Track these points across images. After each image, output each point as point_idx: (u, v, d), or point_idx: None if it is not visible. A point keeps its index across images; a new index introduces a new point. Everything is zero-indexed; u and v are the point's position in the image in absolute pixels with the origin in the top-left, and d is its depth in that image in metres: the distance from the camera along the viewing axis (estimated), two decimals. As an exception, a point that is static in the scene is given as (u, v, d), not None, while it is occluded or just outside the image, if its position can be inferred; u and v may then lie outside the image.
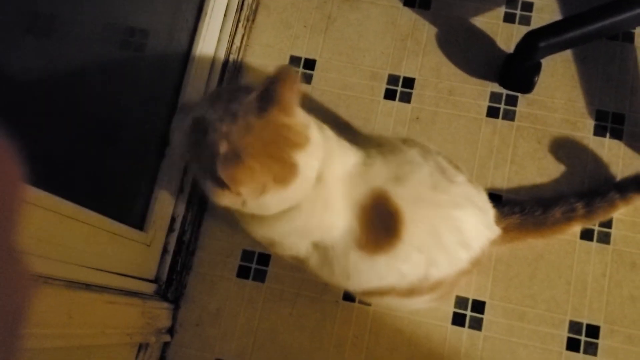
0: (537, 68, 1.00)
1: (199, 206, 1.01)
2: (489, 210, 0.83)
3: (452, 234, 0.76)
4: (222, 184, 0.63)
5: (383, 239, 0.74)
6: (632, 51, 1.05)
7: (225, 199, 0.66)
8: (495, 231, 0.84)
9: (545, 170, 1.01)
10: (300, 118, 0.69)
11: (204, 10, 1.00)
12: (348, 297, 0.97)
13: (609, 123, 1.02)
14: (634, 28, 1.04)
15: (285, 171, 0.66)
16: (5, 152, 0.30)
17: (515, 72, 1.01)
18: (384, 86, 1.06)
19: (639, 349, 0.92)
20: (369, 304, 0.97)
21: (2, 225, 0.30)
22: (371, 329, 0.96)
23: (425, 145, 0.82)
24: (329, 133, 0.74)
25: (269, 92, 0.66)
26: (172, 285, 0.96)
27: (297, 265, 0.82)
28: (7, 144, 0.30)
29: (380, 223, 0.73)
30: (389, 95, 1.05)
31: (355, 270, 0.76)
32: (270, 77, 0.66)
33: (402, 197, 0.73)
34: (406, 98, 1.05)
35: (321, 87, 1.06)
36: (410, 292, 0.80)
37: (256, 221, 0.73)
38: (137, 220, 0.91)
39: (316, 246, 0.75)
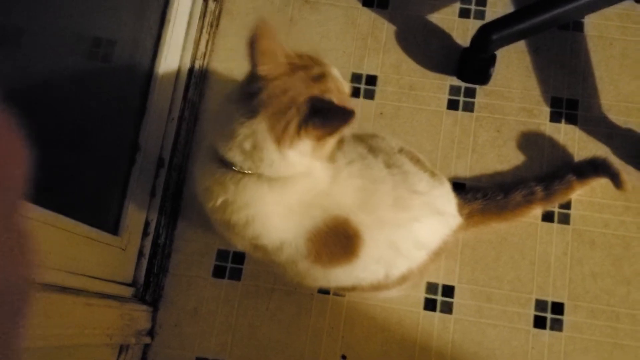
0: (492, 60, 1.04)
1: (172, 210, 1.03)
2: (451, 204, 0.86)
3: (409, 243, 0.79)
4: None
5: (340, 256, 0.76)
6: (582, 39, 1.09)
7: None
8: (456, 221, 0.87)
9: (505, 157, 1.05)
10: None
11: (167, 18, 1.03)
12: (322, 289, 1.00)
13: (563, 109, 1.06)
14: (582, 17, 1.09)
15: None
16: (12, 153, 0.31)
17: (471, 65, 1.05)
18: (349, 84, 1.09)
19: (602, 322, 0.96)
20: (343, 295, 0.99)
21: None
22: (346, 318, 0.99)
23: (390, 144, 0.85)
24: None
25: (254, 59, 0.65)
26: (149, 287, 0.98)
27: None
28: (17, 137, 0.31)
29: (337, 245, 0.75)
30: (353, 93, 1.09)
31: (308, 275, 0.78)
32: (248, 43, 0.66)
33: (364, 223, 0.74)
34: (370, 95, 1.09)
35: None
36: (376, 288, 0.83)
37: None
38: (112, 225, 0.93)
39: (255, 249, 0.77)
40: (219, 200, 0.70)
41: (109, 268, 0.88)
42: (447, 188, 0.87)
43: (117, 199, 0.94)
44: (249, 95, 0.64)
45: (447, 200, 0.85)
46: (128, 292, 0.93)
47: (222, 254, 1.02)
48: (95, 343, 0.80)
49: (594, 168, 0.96)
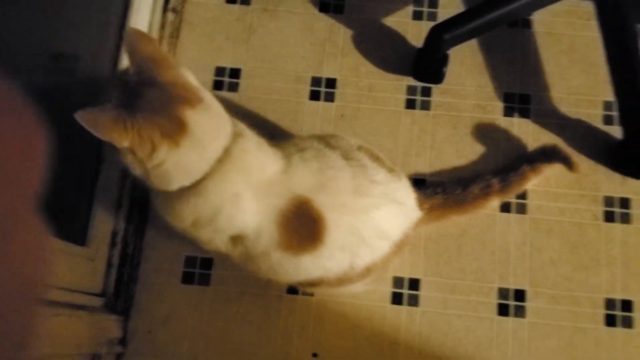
0: (445, 59, 1.08)
1: (139, 219, 1.04)
2: (410, 197, 0.89)
3: (372, 231, 0.82)
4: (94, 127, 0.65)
5: (307, 242, 0.78)
6: (532, 36, 1.14)
7: (123, 158, 0.69)
8: (416, 215, 0.90)
9: (462, 152, 1.08)
10: (187, 76, 0.72)
11: (126, 29, 1.04)
12: (291, 290, 1.02)
13: (516, 104, 1.10)
14: (530, 15, 1.14)
15: (172, 126, 0.68)
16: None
17: (426, 65, 1.09)
18: (308, 88, 1.12)
19: (562, 307, 1.00)
20: (311, 295, 1.02)
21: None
22: (315, 317, 1.01)
23: (349, 142, 0.88)
24: (250, 137, 0.79)
25: (136, 58, 0.69)
26: (120, 296, 0.99)
27: (242, 267, 0.86)
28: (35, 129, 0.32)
29: (303, 229, 0.78)
30: (314, 96, 1.11)
31: (280, 267, 0.80)
32: (126, 44, 0.70)
33: (325, 205, 0.77)
34: (330, 97, 1.12)
35: (248, 94, 1.11)
36: (341, 281, 0.85)
37: (169, 204, 0.76)
38: (79, 236, 0.94)
39: (235, 243, 0.79)
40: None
41: (77, 279, 0.89)
42: (406, 183, 0.90)
43: (83, 210, 0.95)
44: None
45: (406, 193, 0.88)
46: (98, 302, 0.94)
47: (190, 261, 1.04)
48: (65, 353, 0.81)
49: (545, 156, 1.00)
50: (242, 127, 0.78)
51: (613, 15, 1.03)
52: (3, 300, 0.31)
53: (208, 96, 0.73)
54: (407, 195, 0.89)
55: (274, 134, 0.82)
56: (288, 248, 0.77)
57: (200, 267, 1.03)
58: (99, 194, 0.97)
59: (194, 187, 0.73)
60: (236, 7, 1.17)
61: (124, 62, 1.03)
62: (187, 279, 1.03)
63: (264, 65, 1.13)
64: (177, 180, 0.72)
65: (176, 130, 0.69)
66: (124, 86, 0.70)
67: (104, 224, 0.97)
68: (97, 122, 0.65)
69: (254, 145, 0.78)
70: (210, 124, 0.72)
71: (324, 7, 1.16)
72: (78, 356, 0.86)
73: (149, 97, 0.68)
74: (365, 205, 0.80)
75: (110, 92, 0.70)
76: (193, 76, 0.74)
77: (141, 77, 0.69)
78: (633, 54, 1.00)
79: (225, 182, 0.73)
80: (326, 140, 0.87)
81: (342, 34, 1.15)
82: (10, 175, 0.32)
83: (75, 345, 0.82)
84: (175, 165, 0.70)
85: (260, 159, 0.77)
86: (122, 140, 0.66)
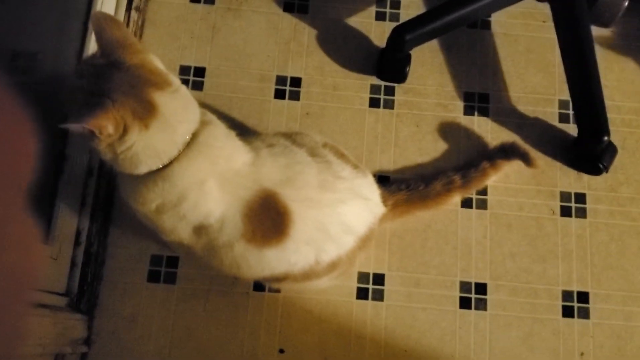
0: (407, 59, 1.10)
1: (104, 218, 1.03)
2: (374, 193, 0.91)
3: (337, 225, 0.83)
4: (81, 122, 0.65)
5: (272, 235, 0.79)
6: (490, 37, 1.17)
7: (93, 144, 0.68)
8: (381, 210, 0.92)
9: (425, 150, 1.11)
10: (154, 61, 0.73)
11: (90, 29, 1.03)
12: (258, 287, 1.02)
13: (476, 103, 1.13)
14: (488, 16, 1.17)
15: (142, 108, 0.69)
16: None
17: (389, 65, 1.11)
18: (273, 87, 1.13)
19: (522, 299, 1.03)
20: (278, 291, 1.02)
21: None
22: (282, 313, 1.02)
23: (315, 139, 0.89)
24: (219, 126, 0.79)
25: (103, 41, 0.70)
26: (84, 296, 0.97)
27: (204, 262, 0.86)
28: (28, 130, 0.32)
29: (268, 221, 0.78)
30: (279, 94, 1.12)
31: (244, 261, 0.81)
32: (93, 26, 0.71)
33: (291, 199, 0.78)
34: (295, 96, 1.13)
35: (213, 93, 1.12)
36: (307, 276, 0.86)
37: (135, 188, 0.76)
38: (41, 235, 0.92)
39: (198, 233, 0.79)
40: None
41: (40, 277, 0.87)
42: (370, 180, 0.91)
43: (45, 210, 0.94)
44: None
45: (371, 189, 0.90)
46: (62, 301, 0.93)
47: (155, 259, 1.03)
48: (28, 353, 0.80)
49: (504, 153, 1.03)
50: (212, 116, 0.79)
51: (568, 17, 1.07)
52: None
53: (176, 80, 0.74)
54: (372, 191, 0.90)
55: (240, 132, 0.83)
56: (252, 240, 0.78)
57: (166, 265, 1.03)
58: (62, 192, 0.96)
59: (161, 171, 0.73)
60: (200, 6, 1.17)
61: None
62: (153, 277, 1.03)
63: (229, 63, 1.14)
64: (146, 163, 0.72)
65: (146, 112, 0.69)
66: (91, 70, 0.70)
67: (67, 223, 0.96)
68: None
69: (222, 134, 0.78)
70: (179, 107, 0.73)
71: (288, 7, 1.18)
72: (42, 356, 0.85)
73: (118, 80, 0.68)
74: (331, 200, 0.82)
75: (77, 78, 0.70)
76: (160, 62, 0.74)
77: (109, 60, 0.69)
78: (587, 54, 1.04)
79: (192, 167, 0.74)
80: (292, 138, 0.88)
81: (306, 34, 1.16)
82: (2, 172, 0.32)
83: (38, 345, 0.81)
84: (144, 148, 0.70)
85: (228, 148, 0.78)
86: (108, 125, 0.66)
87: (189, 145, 0.73)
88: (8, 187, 0.32)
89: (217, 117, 0.81)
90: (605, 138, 1.01)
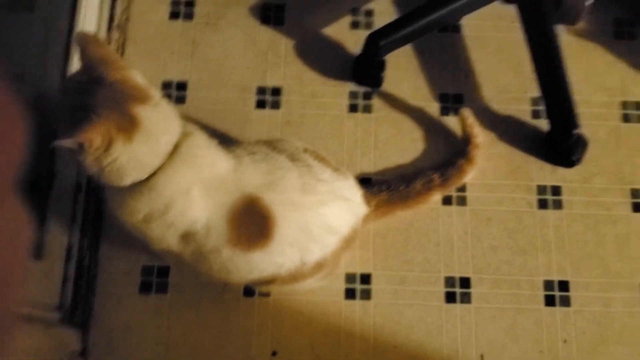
0: (382, 64, 1.14)
1: (93, 232, 1.06)
2: (355, 195, 0.94)
3: (320, 227, 0.86)
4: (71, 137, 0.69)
5: (257, 238, 0.82)
6: (461, 40, 1.21)
7: (81, 157, 0.72)
8: (363, 211, 0.95)
9: (404, 151, 1.14)
10: (136, 76, 0.76)
11: (73, 49, 1.06)
12: (248, 292, 1.05)
13: (451, 103, 1.17)
14: (458, 20, 1.21)
15: (126, 121, 0.72)
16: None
17: (365, 71, 1.15)
18: (254, 97, 1.16)
19: (505, 291, 1.07)
20: (268, 295, 1.05)
21: None
22: (273, 316, 1.04)
23: (295, 145, 0.93)
24: (200, 136, 0.83)
25: (86, 59, 0.73)
26: (77, 309, 1.00)
27: (194, 269, 0.89)
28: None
29: (253, 225, 0.82)
30: (260, 104, 1.16)
31: (232, 265, 0.84)
32: (76, 45, 0.74)
33: (274, 202, 0.82)
34: (275, 105, 1.16)
35: (195, 106, 1.15)
36: (294, 278, 0.89)
37: (122, 200, 0.78)
38: (33, 251, 0.95)
39: (186, 240, 0.82)
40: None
41: (33, 293, 0.90)
42: (351, 182, 0.95)
43: (36, 226, 0.96)
44: None
45: (352, 191, 0.93)
46: (55, 315, 0.95)
47: (147, 270, 1.06)
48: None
49: (467, 142, 1.07)
50: (193, 127, 0.82)
51: (534, 17, 1.12)
52: None
53: (157, 94, 0.77)
54: (353, 192, 0.93)
55: (224, 142, 0.86)
56: (238, 244, 0.81)
57: (158, 275, 1.05)
58: (52, 208, 0.98)
59: (147, 182, 0.76)
60: (179, 23, 1.21)
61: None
62: (145, 288, 1.05)
63: (210, 77, 1.17)
64: (131, 175, 0.75)
65: (129, 125, 0.72)
66: (76, 87, 0.73)
67: (58, 238, 0.98)
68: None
69: (203, 143, 0.82)
70: (160, 119, 0.76)
71: (264, 20, 1.21)
72: (38, 369, 0.87)
73: (102, 96, 0.71)
74: (313, 202, 0.85)
75: (62, 95, 0.73)
76: (141, 77, 0.77)
77: (92, 77, 0.73)
78: (554, 51, 1.08)
79: (176, 176, 0.77)
80: (273, 145, 0.91)
81: (284, 45, 1.20)
82: None
83: (35, 359, 0.83)
84: (128, 160, 0.73)
85: (210, 156, 0.81)
86: (96, 139, 0.70)
87: (172, 155, 0.77)
88: None
89: (200, 128, 0.84)
90: (575, 131, 1.05)
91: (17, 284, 0.34)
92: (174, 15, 1.22)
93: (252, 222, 0.81)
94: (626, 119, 1.17)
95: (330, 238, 0.88)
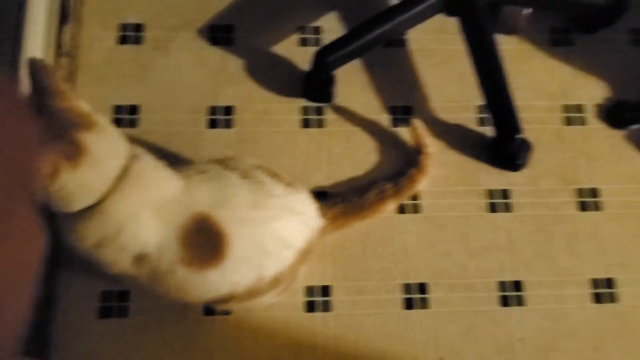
0: (331, 80, 1.17)
1: (50, 260, 1.05)
2: (309, 208, 0.96)
3: (274, 241, 0.88)
4: None
5: (210, 257, 0.83)
6: (407, 53, 1.25)
7: None
8: (318, 224, 0.97)
9: (358, 163, 1.17)
10: (81, 104, 0.77)
11: (20, 73, 1.06)
12: (209, 311, 1.06)
13: (400, 115, 1.21)
14: (403, 35, 1.25)
15: (72, 148, 0.73)
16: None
17: (315, 86, 1.17)
18: (206, 117, 1.18)
19: (460, 294, 1.09)
20: (228, 313, 1.06)
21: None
22: (234, 334, 1.05)
23: (247, 162, 0.94)
24: (148, 158, 0.83)
25: (33, 87, 0.75)
26: (36, 340, 0.98)
27: (152, 291, 0.89)
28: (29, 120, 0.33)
29: (205, 244, 0.83)
30: (212, 124, 1.17)
31: (188, 284, 0.85)
32: (29, 72, 0.75)
33: (226, 220, 0.83)
34: (228, 124, 1.18)
35: (149, 129, 1.16)
36: (252, 294, 0.90)
37: (73, 226, 0.79)
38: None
39: (140, 262, 0.83)
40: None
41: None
42: (304, 195, 0.96)
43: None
44: None
45: (305, 204, 0.95)
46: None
47: (106, 295, 1.05)
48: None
49: (418, 151, 1.10)
50: (140, 150, 0.83)
51: (475, 29, 1.16)
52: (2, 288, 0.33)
53: (103, 120, 0.79)
54: (307, 205, 0.95)
55: (177, 164, 0.87)
56: (192, 264, 0.82)
57: (118, 300, 1.05)
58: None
59: (96, 207, 0.77)
60: (128, 47, 1.22)
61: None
62: (105, 313, 1.04)
63: (161, 99, 1.18)
64: (80, 200, 0.76)
65: (75, 152, 0.73)
66: None
67: (12, 269, 0.97)
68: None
69: (151, 165, 0.83)
70: (106, 144, 0.77)
71: (213, 41, 1.23)
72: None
73: (47, 124, 0.72)
74: (265, 218, 0.86)
75: None
76: (87, 104, 0.78)
77: (38, 105, 0.74)
78: (494, 61, 1.12)
79: (125, 199, 0.77)
80: (225, 163, 0.92)
81: (234, 64, 1.22)
82: (9, 161, 0.34)
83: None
84: (76, 186, 0.74)
85: (158, 178, 0.82)
86: (45, 166, 0.70)
87: (120, 179, 0.77)
88: (11, 178, 0.34)
89: (153, 151, 0.85)
90: (518, 136, 1.09)
91: (33, 276, 0.35)
92: (123, 40, 1.22)
93: (204, 240, 0.82)
94: (568, 121, 1.22)
95: (286, 252, 0.90)
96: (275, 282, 0.91)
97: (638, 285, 1.12)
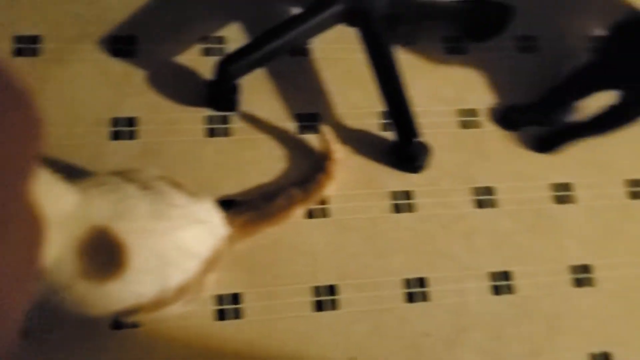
0: (235, 89, 1.18)
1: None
2: (214, 217, 0.96)
3: (177, 251, 0.88)
4: None
5: (110, 269, 0.82)
6: (311, 62, 1.29)
7: None
8: (223, 232, 0.97)
9: (266, 171, 1.19)
10: None
11: None
12: (117, 325, 1.04)
13: (307, 122, 1.23)
14: (305, 44, 1.29)
15: None
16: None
17: (218, 95, 1.18)
18: (108, 129, 1.16)
19: (368, 293, 1.13)
20: (137, 326, 1.04)
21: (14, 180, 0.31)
22: (145, 347, 1.03)
23: (149, 173, 0.93)
24: (42, 172, 0.81)
25: None
26: None
27: (54, 308, 0.87)
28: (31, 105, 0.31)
29: (105, 256, 0.82)
30: (116, 136, 1.15)
31: (90, 298, 0.83)
32: None
33: (126, 231, 0.82)
34: (132, 135, 1.16)
35: (49, 142, 1.12)
36: (158, 305, 0.90)
37: None
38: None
39: (38, 277, 0.80)
40: None
41: None
42: (209, 204, 0.97)
43: None
44: None
45: (209, 213, 0.95)
46: None
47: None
48: None
49: (325, 157, 1.14)
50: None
51: (373, 40, 1.21)
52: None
53: None
54: (211, 214, 0.96)
55: (77, 177, 0.85)
56: (92, 277, 0.80)
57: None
58: None
59: None
60: (24, 60, 1.18)
61: None
62: (3, 335, 1.00)
63: (62, 112, 1.15)
64: None
65: None
66: None
67: None
68: None
69: (44, 180, 0.80)
70: None
71: (116, 53, 1.22)
72: None
73: None
74: (167, 228, 0.86)
75: None
76: None
77: None
78: (392, 69, 1.17)
79: None
80: (125, 175, 0.91)
81: (137, 75, 1.21)
82: (9, 159, 0.33)
83: None
84: None
85: (53, 192, 0.80)
86: None
87: None
88: (11, 170, 0.33)
89: (55, 166, 0.83)
90: (416, 140, 1.15)
91: (33, 272, 0.34)
92: (19, 52, 1.19)
93: (104, 253, 0.81)
94: (464, 125, 1.29)
95: (190, 261, 0.90)
96: (182, 292, 0.91)
97: (532, 276, 1.20)
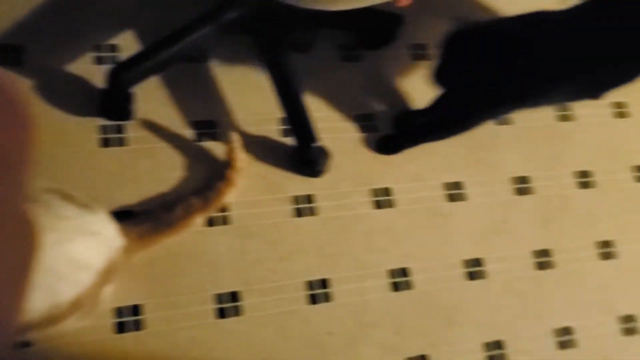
0: (129, 97, 1.16)
1: None
2: (107, 228, 0.94)
3: (67, 264, 0.85)
4: None
5: None
6: (209, 69, 1.29)
7: None
8: (118, 243, 0.95)
9: (164, 180, 1.17)
10: None
11: None
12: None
13: (205, 129, 1.23)
14: (198, 52, 1.29)
15: None
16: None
17: (111, 104, 1.16)
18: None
19: (272, 297, 1.15)
20: (29, 345, 1.00)
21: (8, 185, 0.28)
22: (38, 367, 0.99)
23: (35, 185, 0.90)
24: None
25: None
26: None
27: None
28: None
29: None
30: None
31: None
32: None
33: None
34: (21, 148, 1.11)
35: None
36: (51, 321, 0.87)
37: None
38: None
39: None
40: None
41: None
42: (102, 216, 0.95)
43: None
44: None
45: (102, 224, 0.93)
46: None
47: None
48: None
49: (226, 165, 1.15)
50: None
51: (270, 47, 1.23)
52: None
53: None
54: (104, 225, 0.94)
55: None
56: None
57: None
58: None
59: None
60: None
61: None
62: None
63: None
64: None
65: None
66: None
67: None
68: None
69: None
70: None
71: (1, 62, 1.16)
72: None
73: None
74: (55, 240, 0.84)
75: None
76: None
77: None
78: (289, 77, 1.20)
79: None
80: None
81: (24, 85, 1.16)
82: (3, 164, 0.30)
83: None
84: None
85: None
86: None
87: None
88: (3, 174, 0.31)
89: None
90: (314, 144, 1.18)
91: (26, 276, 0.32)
92: None
93: None
94: (361, 129, 1.33)
95: (82, 274, 0.88)
96: (75, 306, 0.88)
97: (429, 271, 1.26)
